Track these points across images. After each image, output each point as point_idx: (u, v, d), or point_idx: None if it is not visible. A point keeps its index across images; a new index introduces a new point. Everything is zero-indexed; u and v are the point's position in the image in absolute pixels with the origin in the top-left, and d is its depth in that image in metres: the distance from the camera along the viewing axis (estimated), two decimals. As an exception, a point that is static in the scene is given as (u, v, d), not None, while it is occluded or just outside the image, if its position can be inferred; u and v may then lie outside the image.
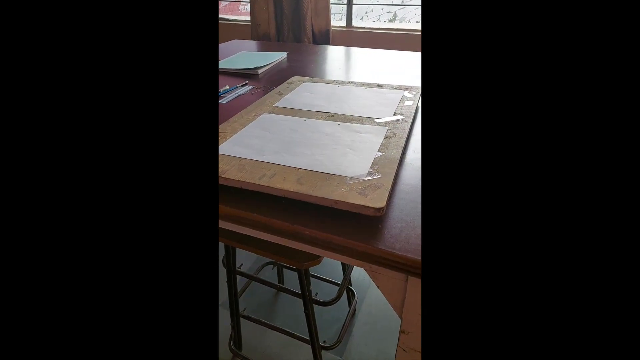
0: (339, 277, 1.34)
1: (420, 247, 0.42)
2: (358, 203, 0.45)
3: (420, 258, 0.40)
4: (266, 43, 1.51)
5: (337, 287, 1.28)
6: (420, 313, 0.45)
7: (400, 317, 0.47)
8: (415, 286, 0.44)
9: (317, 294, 1.29)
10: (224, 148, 0.58)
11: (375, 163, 0.54)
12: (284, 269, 1.36)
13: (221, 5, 2.61)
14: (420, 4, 2.02)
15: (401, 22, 2.36)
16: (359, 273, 1.38)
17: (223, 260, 0.93)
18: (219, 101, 0.86)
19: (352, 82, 0.91)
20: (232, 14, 2.56)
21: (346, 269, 1.05)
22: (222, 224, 0.52)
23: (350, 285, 1.27)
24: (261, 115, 0.70)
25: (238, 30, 2.41)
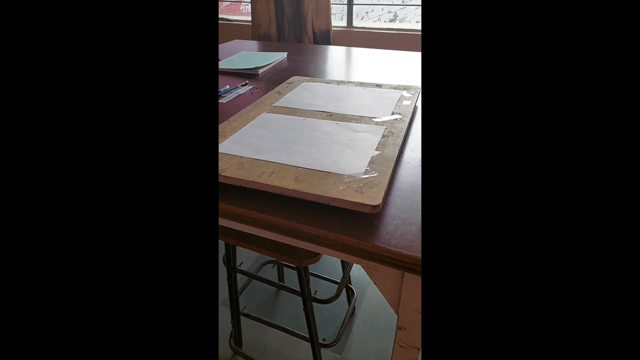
0: (338, 276, 1.35)
1: (415, 244, 0.42)
2: (355, 200, 0.45)
3: (415, 254, 0.41)
4: (267, 43, 1.52)
5: (337, 286, 1.29)
6: (417, 309, 0.46)
7: (397, 313, 0.48)
8: (411, 283, 0.45)
9: (316, 292, 1.30)
10: (223, 147, 0.59)
11: (372, 161, 0.54)
12: (284, 268, 1.37)
13: (222, 6, 2.62)
14: (421, 4, 2.03)
15: (402, 22, 2.37)
16: (358, 272, 1.39)
17: (223, 259, 0.94)
18: (220, 101, 0.87)
19: (351, 82, 0.91)
20: (233, 14, 2.57)
21: (345, 267, 1.05)
22: (221, 221, 0.53)
23: (350, 284, 1.27)
24: (261, 115, 0.71)
25: (239, 30, 2.42)
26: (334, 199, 0.46)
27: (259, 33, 2.23)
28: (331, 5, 2.08)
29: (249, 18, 2.41)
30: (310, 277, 1.31)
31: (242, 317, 1.17)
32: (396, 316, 0.48)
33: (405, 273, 0.44)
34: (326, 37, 2.13)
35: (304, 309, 0.85)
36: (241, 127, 0.66)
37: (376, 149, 0.58)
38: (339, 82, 0.91)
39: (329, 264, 1.42)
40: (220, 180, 0.52)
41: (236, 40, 1.54)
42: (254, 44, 1.50)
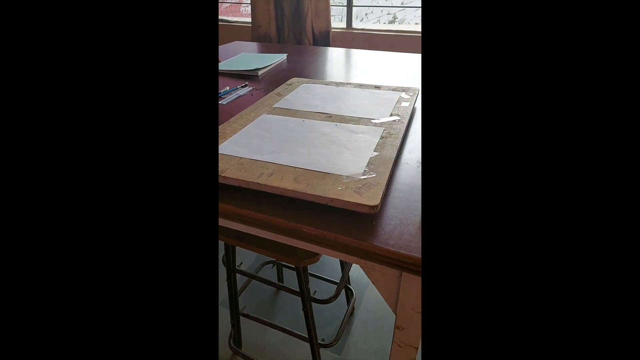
0: (337, 276, 1.35)
1: (413, 244, 0.43)
2: (353, 201, 0.46)
3: (413, 254, 0.42)
4: (267, 44, 1.52)
5: (336, 286, 1.29)
6: (415, 309, 0.47)
7: (395, 313, 0.48)
8: (409, 282, 0.45)
9: (315, 292, 1.30)
10: (223, 147, 0.59)
11: (370, 162, 0.55)
12: (284, 268, 1.37)
13: (222, 7, 2.62)
14: (420, 5, 2.03)
15: (401, 23, 2.37)
16: (357, 272, 1.39)
17: (223, 259, 0.94)
18: (220, 102, 0.87)
19: (350, 83, 0.92)
20: (233, 16, 2.58)
21: (344, 268, 1.06)
22: (221, 221, 0.53)
23: (349, 284, 1.28)
24: (260, 116, 0.72)
25: (239, 32, 2.42)
26: (332, 200, 0.47)
27: (259, 34, 2.23)
28: (330, 6, 2.08)
29: (249, 19, 2.41)
30: (310, 277, 1.32)
31: (241, 317, 1.18)
32: (394, 316, 0.49)
33: (403, 272, 0.45)
34: (326, 38, 2.14)
35: (303, 309, 0.86)
36: (241, 128, 0.66)
37: (375, 150, 0.58)
38: (338, 84, 0.91)
39: (328, 264, 1.43)
40: (220, 180, 0.52)
41: (236, 42, 1.55)
42: (253, 45, 1.50)
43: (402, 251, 0.42)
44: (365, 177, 0.51)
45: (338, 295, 0.93)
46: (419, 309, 0.46)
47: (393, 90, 0.86)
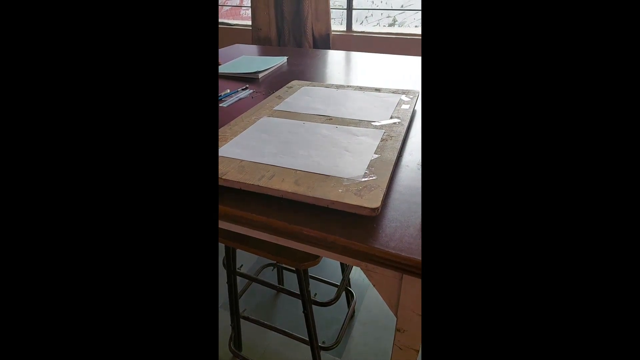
0: (338, 279, 1.35)
1: (414, 246, 0.43)
2: (354, 203, 0.46)
3: (414, 257, 0.42)
4: (267, 47, 1.53)
5: (336, 289, 1.29)
6: (415, 311, 0.47)
7: (396, 315, 0.48)
8: (410, 284, 0.45)
9: (316, 294, 1.30)
10: (224, 150, 0.60)
11: (371, 165, 0.55)
12: (284, 271, 1.37)
13: (223, 10, 2.63)
14: (420, 8, 2.04)
15: (401, 26, 2.38)
16: (358, 275, 1.39)
17: (223, 262, 0.94)
18: (221, 104, 0.88)
19: (350, 86, 0.92)
20: (233, 19, 2.59)
21: (345, 270, 1.06)
22: (222, 224, 0.53)
23: (349, 287, 1.28)
24: (261, 119, 0.72)
25: (239, 35, 2.43)
26: (333, 202, 0.47)
27: (259, 37, 2.24)
28: (331, 9, 2.09)
29: (249, 22, 2.42)
30: (310, 280, 1.32)
31: (241, 319, 1.18)
32: (395, 319, 0.49)
33: (404, 275, 0.45)
34: (326, 41, 2.14)
35: (303, 312, 0.85)
36: (242, 131, 0.66)
37: (375, 153, 0.59)
38: (338, 87, 0.91)
39: (329, 267, 1.43)
40: (221, 183, 0.52)
41: (236, 45, 1.56)
42: (254, 48, 1.51)
43: (402, 253, 0.42)
44: (366, 179, 0.51)
45: (338, 298, 0.93)
46: (420, 312, 0.46)
47: (393, 92, 0.86)
